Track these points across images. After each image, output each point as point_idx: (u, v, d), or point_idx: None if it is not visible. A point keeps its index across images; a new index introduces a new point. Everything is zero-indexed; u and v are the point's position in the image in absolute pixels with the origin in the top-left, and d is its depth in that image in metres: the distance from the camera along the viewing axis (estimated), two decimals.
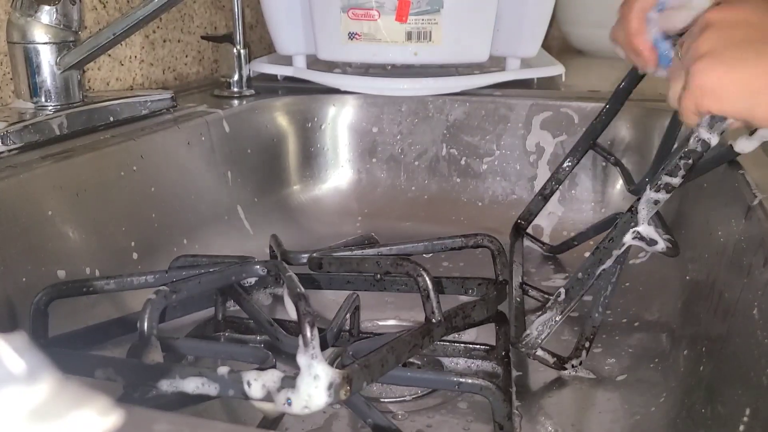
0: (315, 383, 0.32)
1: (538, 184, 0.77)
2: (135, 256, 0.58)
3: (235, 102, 0.78)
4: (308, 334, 0.32)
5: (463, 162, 0.83)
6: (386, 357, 0.36)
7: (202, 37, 0.87)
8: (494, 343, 0.51)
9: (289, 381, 0.32)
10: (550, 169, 0.79)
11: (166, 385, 0.33)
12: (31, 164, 0.52)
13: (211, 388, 0.33)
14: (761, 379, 0.36)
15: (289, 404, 0.32)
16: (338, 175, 0.85)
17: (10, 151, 0.54)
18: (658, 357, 0.53)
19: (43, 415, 0.17)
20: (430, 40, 0.80)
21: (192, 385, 0.33)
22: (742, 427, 0.36)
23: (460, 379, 0.40)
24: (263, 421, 0.40)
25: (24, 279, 0.48)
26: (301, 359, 0.32)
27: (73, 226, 0.53)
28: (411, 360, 0.45)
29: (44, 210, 0.50)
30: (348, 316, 0.49)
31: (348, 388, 0.33)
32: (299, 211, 0.81)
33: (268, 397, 0.32)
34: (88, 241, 0.54)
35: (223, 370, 0.33)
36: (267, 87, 0.84)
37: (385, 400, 0.49)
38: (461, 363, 0.47)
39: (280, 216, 0.78)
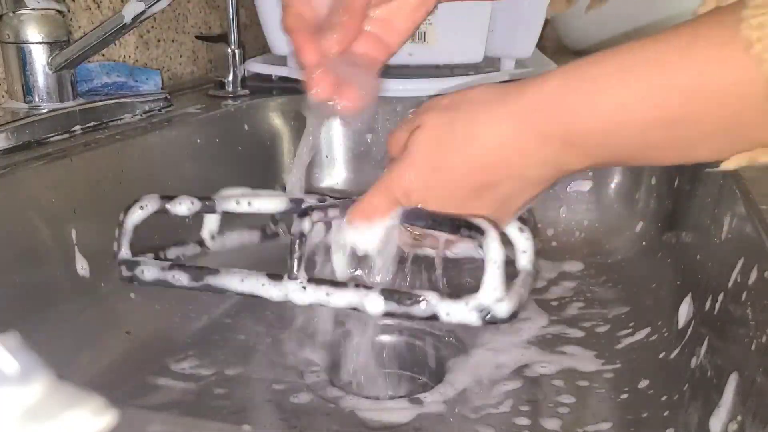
0: None
1: None
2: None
3: (230, 102, 0.78)
4: None
5: None
6: None
7: (197, 37, 0.87)
8: None
9: None
10: None
11: None
12: (25, 164, 0.51)
13: None
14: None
15: None
16: (333, 175, 0.84)
17: (3, 151, 0.53)
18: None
19: (37, 416, 0.16)
20: (424, 41, 0.80)
21: None
22: None
23: None
24: None
25: (17, 280, 0.47)
26: None
27: (67, 226, 0.52)
28: None
29: (38, 210, 0.50)
30: None
31: None
32: None
33: None
34: (82, 241, 0.53)
35: None
36: (261, 87, 0.84)
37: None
38: None
39: None
